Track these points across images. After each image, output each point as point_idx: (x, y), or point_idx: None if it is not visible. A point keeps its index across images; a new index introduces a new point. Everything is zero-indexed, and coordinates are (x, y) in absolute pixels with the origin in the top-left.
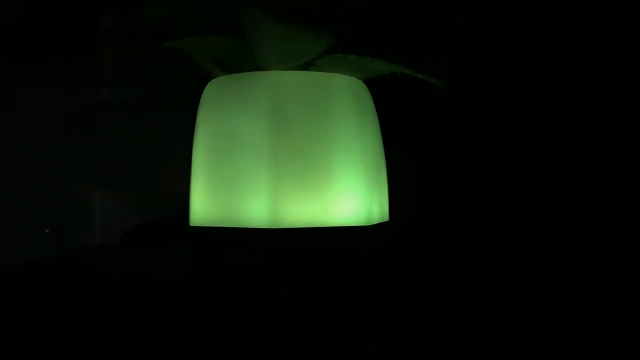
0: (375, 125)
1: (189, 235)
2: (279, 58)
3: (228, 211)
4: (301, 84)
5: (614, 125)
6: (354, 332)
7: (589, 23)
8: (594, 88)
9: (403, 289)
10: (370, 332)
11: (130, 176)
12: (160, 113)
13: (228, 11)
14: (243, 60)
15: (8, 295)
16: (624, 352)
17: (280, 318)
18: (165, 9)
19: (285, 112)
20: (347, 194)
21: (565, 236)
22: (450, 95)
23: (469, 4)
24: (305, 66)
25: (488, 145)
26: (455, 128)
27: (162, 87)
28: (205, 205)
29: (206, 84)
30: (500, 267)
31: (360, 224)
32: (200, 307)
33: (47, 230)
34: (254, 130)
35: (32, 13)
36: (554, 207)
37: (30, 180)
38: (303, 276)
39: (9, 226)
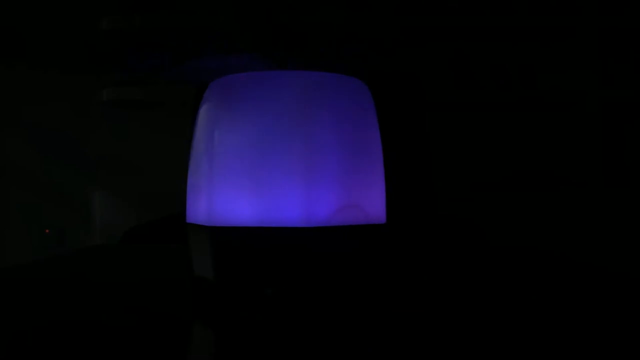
0: (375, 126)
1: (186, 232)
2: None
3: (226, 209)
4: (302, 84)
5: (613, 125)
6: (354, 331)
7: (589, 23)
8: (594, 88)
9: (399, 289)
10: (369, 330)
11: (130, 176)
12: (160, 113)
13: None
14: None
15: (8, 294)
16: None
17: (277, 317)
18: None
19: (286, 112)
20: (347, 194)
21: (567, 235)
22: (451, 96)
23: (470, 4)
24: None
25: (490, 147)
26: (455, 128)
27: (162, 87)
28: (201, 203)
29: (204, 84)
30: (499, 266)
31: (357, 224)
32: (201, 306)
33: (47, 231)
34: (254, 130)
35: (32, 13)
36: (554, 208)
37: (30, 180)
38: (301, 275)
39: (9, 226)
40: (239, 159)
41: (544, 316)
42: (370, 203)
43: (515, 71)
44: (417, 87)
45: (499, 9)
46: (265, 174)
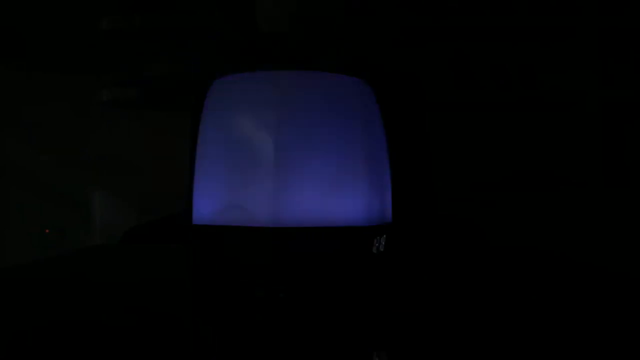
0: (379, 126)
1: (192, 233)
2: None
3: (232, 210)
4: (304, 84)
5: (613, 125)
6: (354, 332)
7: (589, 23)
8: (593, 88)
9: (399, 289)
10: (369, 330)
11: (130, 176)
12: (160, 113)
13: None
14: None
15: (8, 294)
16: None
17: (281, 317)
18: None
19: (288, 112)
20: (350, 195)
21: (567, 235)
22: (451, 96)
23: (470, 4)
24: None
25: (490, 147)
26: (455, 128)
27: (162, 87)
28: (209, 204)
29: (206, 84)
30: (499, 266)
31: (363, 225)
32: (202, 306)
33: (47, 231)
34: (257, 130)
35: (32, 13)
36: (554, 208)
37: (30, 180)
38: (304, 275)
39: (9, 226)
40: (239, 159)
41: (544, 316)
42: (370, 204)
43: (515, 71)
44: (417, 87)
45: (499, 9)
46: (265, 173)
